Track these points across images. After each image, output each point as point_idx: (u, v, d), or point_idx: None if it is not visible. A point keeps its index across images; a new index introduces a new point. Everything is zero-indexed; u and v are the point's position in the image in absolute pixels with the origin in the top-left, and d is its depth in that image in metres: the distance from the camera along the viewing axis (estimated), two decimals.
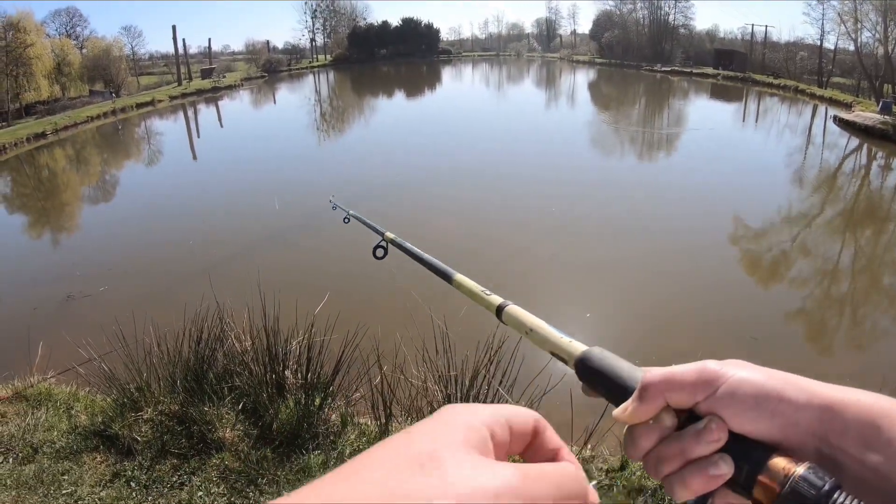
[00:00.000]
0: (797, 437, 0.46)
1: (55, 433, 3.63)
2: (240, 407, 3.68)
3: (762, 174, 15.69)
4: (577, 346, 0.59)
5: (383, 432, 3.50)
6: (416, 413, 3.54)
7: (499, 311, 0.77)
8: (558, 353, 0.61)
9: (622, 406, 0.50)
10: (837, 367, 6.13)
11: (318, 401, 3.61)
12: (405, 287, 7.61)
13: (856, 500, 0.40)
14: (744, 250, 9.69)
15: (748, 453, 0.45)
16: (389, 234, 1.48)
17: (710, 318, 7.16)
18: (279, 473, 3.26)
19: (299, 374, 3.76)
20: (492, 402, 3.46)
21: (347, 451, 3.36)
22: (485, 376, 3.43)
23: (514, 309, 0.74)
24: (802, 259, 9.60)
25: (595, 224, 10.70)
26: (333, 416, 3.67)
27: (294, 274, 8.13)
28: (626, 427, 0.51)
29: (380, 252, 1.51)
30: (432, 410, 3.13)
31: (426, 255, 1.13)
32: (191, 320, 4.01)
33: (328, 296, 4.07)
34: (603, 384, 0.54)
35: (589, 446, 3.47)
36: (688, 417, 0.49)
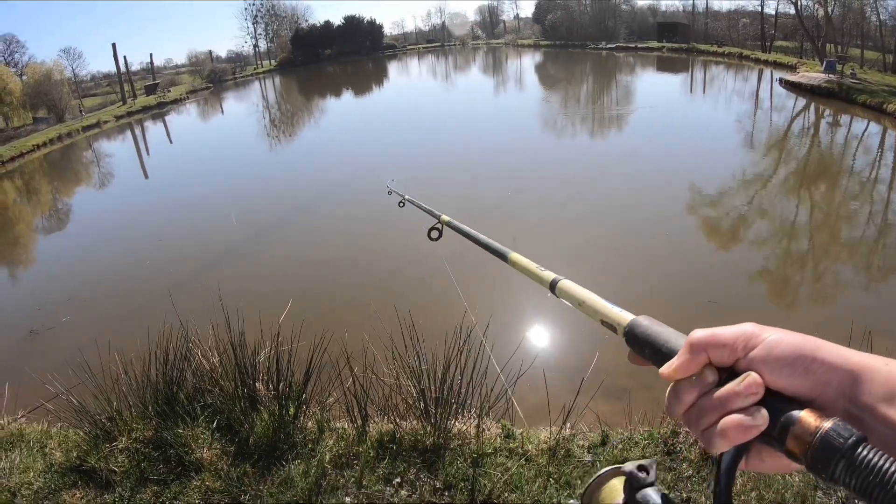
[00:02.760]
0: (828, 396, 0.49)
1: (31, 474, 3.53)
2: (214, 425, 3.62)
3: (714, 142, 15.90)
4: (626, 316, 0.65)
5: (361, 434, 3.48)
6: (392, 411, 3.52)
7: (553, 285, 0.83)
8: (609, 322, 0.67)
9: (668, 363, 0.55)
10: (804, 322, 6.24)
11: (292, 410, 3.57)
12: (369, 283, 7.68)
13: (881, 453, 0.42)
14: (702, 217, 9.83)
15: (782, 408, 0.48)
16: (445, 217, 1.54)
17: (674, 288, 7.24)
18: (262, 488, 3.21)
19: (270, 385, 3.71)
20: (466, 390, 3.49)
21: (327, 457, 3.33)
22: (457, 366, 3.42)
23: (566, 283, 0.80)
24: (761, 220, 9.79)
25: (551, 206, 10.68)
26: (310, 423, 3.64)
27: (256, 284, 8.02)
28: (670, 385, 0.55)
29: (434, 234, 1.58)
30: (407, 407, 3.13)
31: (482, 236, 1.17)
32: (155, 342, 3.93)
33: (291, 302, 4.02)
34: (651, 348, 0.59)
35: (568, 425, 3.48)
36: (729, 375, 0.52)
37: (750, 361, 0.51)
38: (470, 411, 3.56)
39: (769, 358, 0.50)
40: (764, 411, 0.49)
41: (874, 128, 17.16)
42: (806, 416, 0.46)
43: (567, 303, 0.78)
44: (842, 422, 0.45)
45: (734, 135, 16.98)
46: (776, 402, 0.49)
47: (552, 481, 3.10)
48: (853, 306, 6.63)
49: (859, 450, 0.43)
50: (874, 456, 0.42)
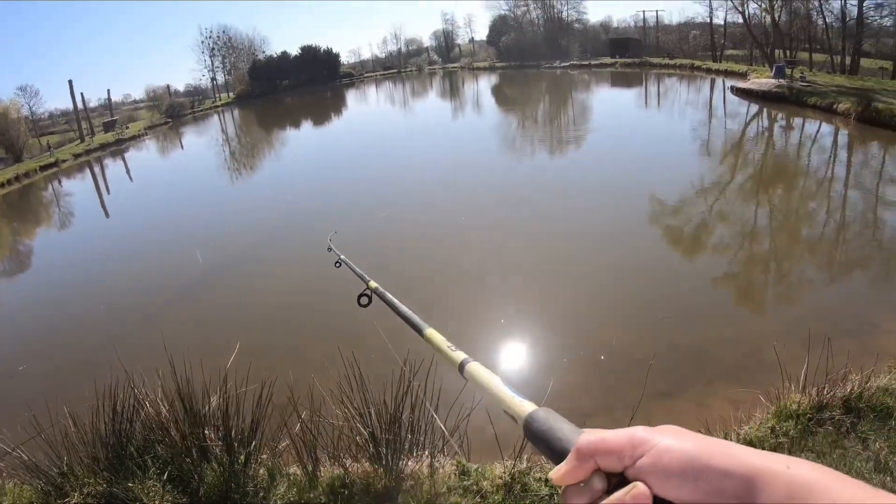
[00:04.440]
0: None
1: None
2: (165, 477, 3.52)
3: (672, 153, 16.20)
4: (526, 408, 0.63)
5: (312, 479, 3.40)
6: (344, 453, 3.45)
7: (461, 367, 0.82)
8: (510, 413, 0.65)
9: (557, 468, 0.53)
10: (771, 325, 6.30)
11: (242, 458, 3.48)
12: (316, 325, 7.59)
13: None
14: (664, 227, 9.95)
15: None
16: (373, 284, 1.55)
17: (636, 300, 7.28)
18: None
19: (220, 434, 3.62)
20: (416, 429, 3.44)
21: None
22: (408, 404, 3.38)
23: (473, 366, 0.79)
24: (722, 226, 9.95)
25: (513, 228, 10.69)
26: (261, 470, 3.55)
27: (204, 329, 7.86)
28: (562, 487, 0.54)
29: (364, 300, 1.55)
30: (358, 448, 3.07)
31: (403, 308, 1.19)
32: (101, 394, 3.82)
33: (238, 345, 3.93)
34: (545, 445, 0.57)
35: (525, 457, 3.44)
36: (619, 481, 0.51)
37: (638, 470, 0.50)
38: (422, 450, 3.50)
39: (657, 467, 0.49)
40: None
41: (826, 128, 17.66)
42: None
43: (474, 387, 0.77)
44: None
45: (691, 144, 17.32)
46: None
47: None
48: (817, 306, 6.77)
49: None
50: None
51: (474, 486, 3.26)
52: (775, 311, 6.96)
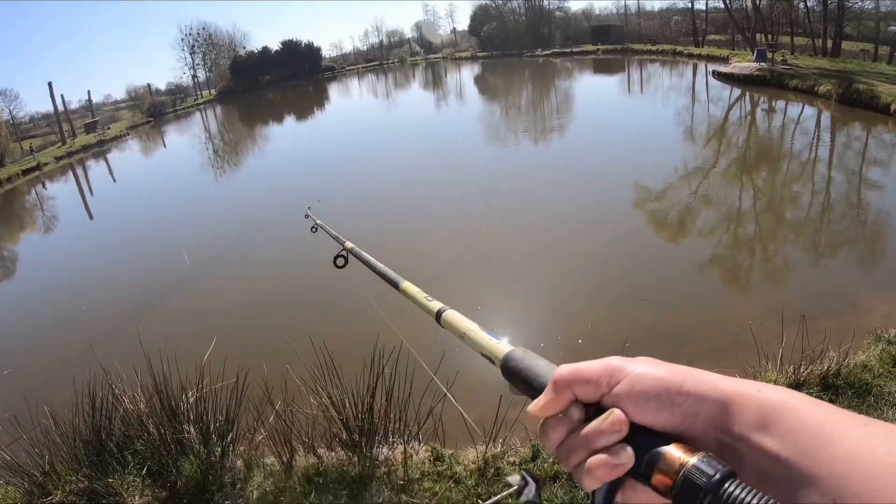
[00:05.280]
0: (697, 428, 0.48)
1: None
2: (144, 471, 3.54)
3: (656, 138, 16.20)
4: (503, 349, 0.64)
5: (287, 469, 3.42)
6: (319, 441, 3.48)
7: (438, 315, 0.84)
8: (487, 355, 0.67)
9: (535, 401, 0.54)
10: (751, 306, 6.31)
11: (219, 450, 3.50)
12: (286, 315, 7.61)
13: (748, 488, 0.41)
14: (647, 212, 9.97)
15: (648, 443, 0.48)
16: (349, 244, 1.60)
17: (616, 284, 7.31)
18: None
19: (197, 427, 3.63)
20: (390, 416, 3.46)
21: (255, 496, 3.27)
22: (381, 389, 3.41)
23: (450, 314, 0.81)
24: (705, 210, 10.00)
25: (493, 216, 10.68)
26: (238, 462, 3.57)
27: (181, 325, 7.84)
28: (540, 421, 0.55)
29: (340, 261, 1.59)
30: (332, 437, 3.09)
31: (379, 265, 1.22)
32: (80, 392, 3.84)
33: (215, 340, 3.95)
34: (523, 382, 0.59)
35: (500, 441, 3.48)
36: (596, 411, 0.51)
37: (614, 397, 0.50)
38: (396, 437, 3.53)
39: (633, 393, 0.50)
40: (629, 449, 0.48)
41: (808, 110, 17.75)
42: (671, 452, 0.46)
43: (452, 333, 0.79)
44: (708, 457, 0.44)
45: (674, 129, 17.36)
46: (643, 437, 0.48)
47: (481, 503, 3.08)
48: (798, 287, 6.82)
49: (726, 485, 0.42)
50: (741, 492, 0.41)
51: (448, 472, 3.30)
52: (756, 293, 7.00)
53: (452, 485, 3.19)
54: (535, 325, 6.46)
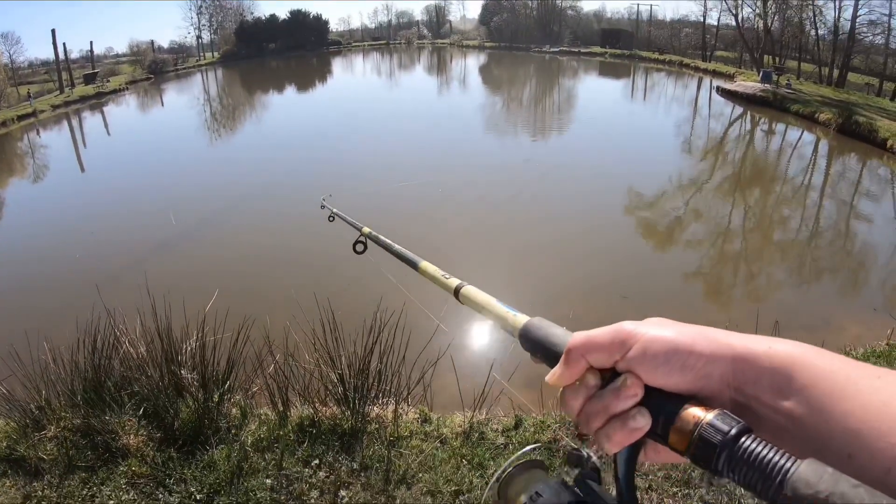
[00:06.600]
0: (711, 388, 0.49)
1: None
2: (141, 412, 3.66)
3: (654, 147, 16.38)
4: (521, 319, 0.66)
5: (282, 419, 3.59)
6: (314, 396, 3.64)
7: (456, 291, 0.86)
8: (506, 327, 0.69)
9: (551, 372, 0.56)
10: (727, 315, 6.43)
11: (216, 397, 3.65)
12: (290, 274, 7.76)
13: (764, 443, 0.42)
14: (638, 217, 10.14)
15: (663, 405, 0.49)
16: (367, 229, 1.58)
17: (599, 279, 7.53)
18: (186, 472, 3.29)
19: (196, 373, 3.77)
20: (383, 377, 3.63)
21: (249, 441, 3.43)
22: (375, 352, 3.57)
23: (469, 289, 0.83)
24: (695, 221, 10.15)
25: (486, 208, 10.76)
26: (234, 409, 3.73)
27: (184, 278, 7.88)
28: (560, 389, 0.56)
29: (360, 247, 1.59)
30: (327, 392, 3.25)
31: (397, 247, 1.24)
32: (83, 332, 3.94)
33: (217, 293, 4.08)
34: (542, 351, 0.60)
35: (485, 410, 3.66)
36: (611, 376, 0.53)
37: (628, 362, 0.51)
38: (388, 397, 3.71)
39: (645, 357, 0.50)
40: (645, 412, 0.49)
41: (807, 136, 17.89)
42: (686, 411, 0.47)
43: (471, 308, 0.81)
44: (723, 414, 0.45)
45: (673, 139, 17.52)
46: (658, 399, 0.49)
47: (465, 462, 3.27)
48: (785, 303, 6.96)
49: (741, 441, 0.42)
50: (757, 446, 0.42)
51: (435, 432, 3.48)
52: (734, 304, 7.16)
53: (439, 444, 3.38)
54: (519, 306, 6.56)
